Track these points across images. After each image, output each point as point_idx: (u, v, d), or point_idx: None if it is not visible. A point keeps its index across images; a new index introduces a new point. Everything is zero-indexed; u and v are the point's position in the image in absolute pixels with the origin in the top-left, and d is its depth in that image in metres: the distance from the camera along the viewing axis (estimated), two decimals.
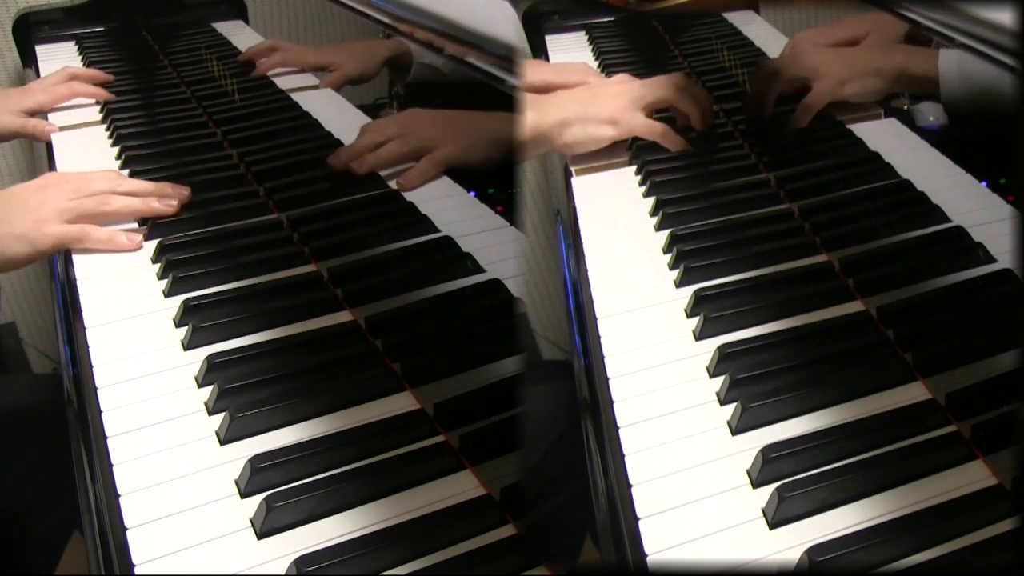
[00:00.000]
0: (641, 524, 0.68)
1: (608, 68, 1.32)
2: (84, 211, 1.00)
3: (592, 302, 0.90)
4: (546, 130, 1.03)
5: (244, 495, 0.72)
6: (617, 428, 0.76)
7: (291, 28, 1.35)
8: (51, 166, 1.23)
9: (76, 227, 0.99)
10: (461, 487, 0.73)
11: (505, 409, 0.79)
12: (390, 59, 1.10)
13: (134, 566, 0.67)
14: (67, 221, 0.99)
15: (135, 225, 1.04)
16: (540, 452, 0.98)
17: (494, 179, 0.93)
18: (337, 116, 1.16)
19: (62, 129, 1.30)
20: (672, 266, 0.95)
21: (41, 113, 1.33)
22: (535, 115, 1.02)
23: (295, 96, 1.24)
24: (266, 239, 1.03)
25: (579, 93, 1.09)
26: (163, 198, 1.04)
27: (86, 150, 1.25)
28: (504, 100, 0.77)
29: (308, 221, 1.04)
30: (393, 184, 1.01)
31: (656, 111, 1.10)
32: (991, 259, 0.88)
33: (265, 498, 0.70)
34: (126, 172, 1.15)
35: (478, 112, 0.92)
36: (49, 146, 1.27)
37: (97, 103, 1.36)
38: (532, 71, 1.15)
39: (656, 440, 0.75)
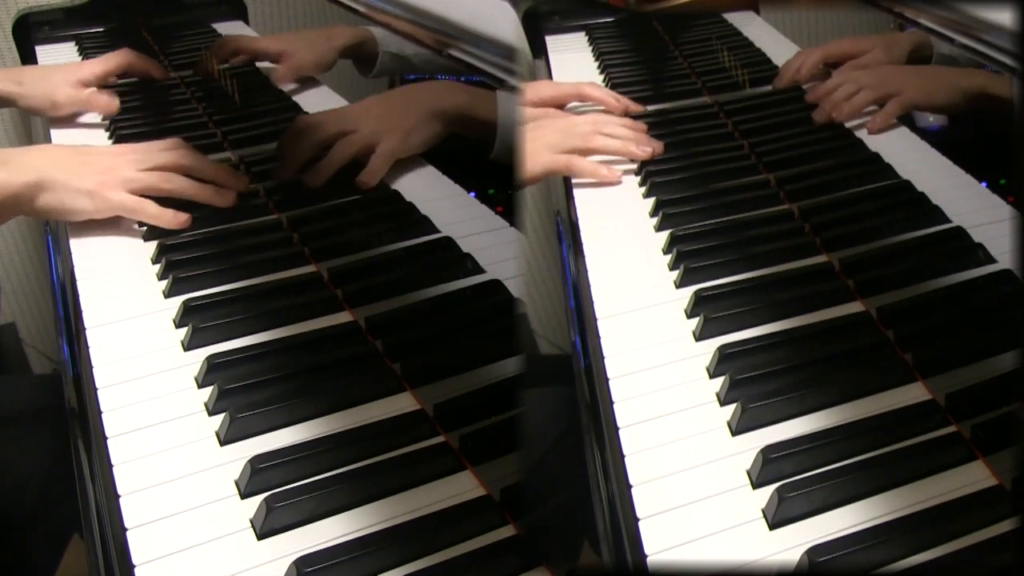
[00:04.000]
0: (641, 524, 0.68)
1: (608, 68, 1.32)
2: (147, 184, 1.03)
3: (592, 302, 0.90)
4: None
5: (244, 496, 0.72)
6: (617, 428, 0.76)
7: (291, 29, 1.35)
8: None
9: (134, 199, 1.02)
10: (461, 488, 0.73)
11: (505, 409, 0.79)
12: (350, 47, 1.10)
13: (134, 567, 0.67)
14: (130, 191, 1.02)
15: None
16: (538, 454, 0.98)
17: (494, 179, 0.93)
18: None
19: (60, 127, 1.29)
20: (672, 266, 0.95)
21: (97, 85, 1.32)
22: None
23: (295, 96, 1.24)
24: (266, 239, 1.02)
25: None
26: (221, 190, 1.06)
27: None
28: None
29: (308, 221, 1.04)
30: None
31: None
32: (991, 259, 0.88)
33: (265, 499, 0.70)
34: None
35: (414, 86, 0.92)
36: (48, 141, 1.26)
37: None
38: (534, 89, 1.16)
39: (656, 440, 0.75)
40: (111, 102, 1.29)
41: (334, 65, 1.13)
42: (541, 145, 1.08)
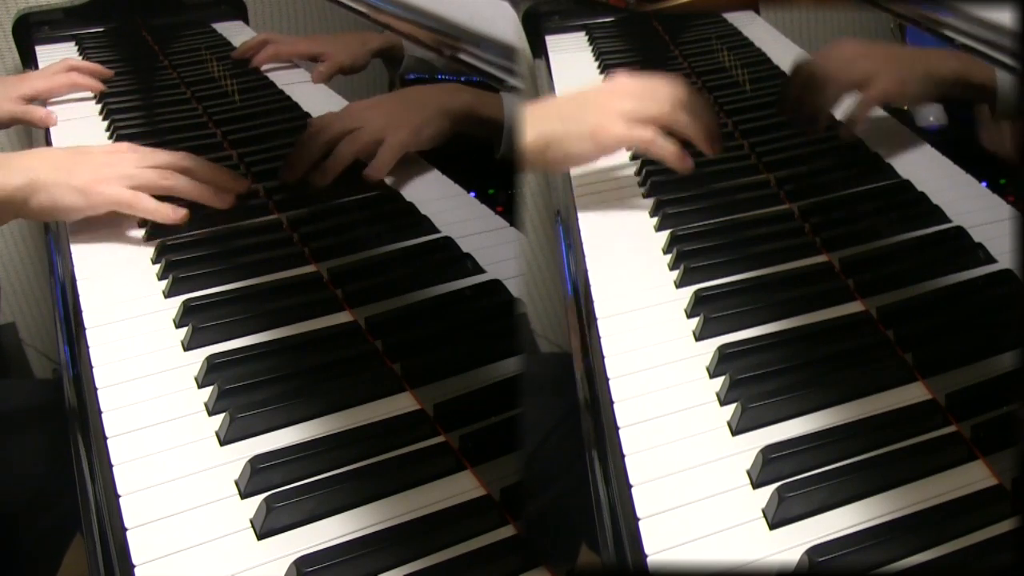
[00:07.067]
0: (641, 524, 0.68)
1: (608, 68, 1.32)
2: (144, 181, 1.03)
3: (592, 302, 0.90)
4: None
5: (244, 496, 0.72)
6: (617, 428, 0.76)
7: (291, 29, 1.35)
8: None
9: (130, 192, 1.01)
10: (461, 488, 0.73)
11: (505, 409, 0.79)
12: (381, 50, 1.10)
13: (134, 567, 0.67)
14: (126, 186, 1.02)
15: None
16: (534, 443, 0.98)
17: (494, 179, 0.93)
18: None
19: (60, 126, 1.29)
20: (672, 266, 0.95)
21: (39, 101, 1.33)
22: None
23: (294, 96, 1.24)
24: (266, 239, 1.02)
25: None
26: (220, 192, 1.05)
27: None
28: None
29: (308, 221, 1.04)
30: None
31: None
32: (991, 259, 0.88)
33: (265, 499, 0.70)
34: None
35: (421, 87, 0.92)
36: (48, 144, 1.27)
37: (97, 102, 1.36)
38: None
39: (656, 440, 0.75)
40: (48, 115, 1.30)
41: (367, 66, 1.14)
42: (613, 112, 0.96)
